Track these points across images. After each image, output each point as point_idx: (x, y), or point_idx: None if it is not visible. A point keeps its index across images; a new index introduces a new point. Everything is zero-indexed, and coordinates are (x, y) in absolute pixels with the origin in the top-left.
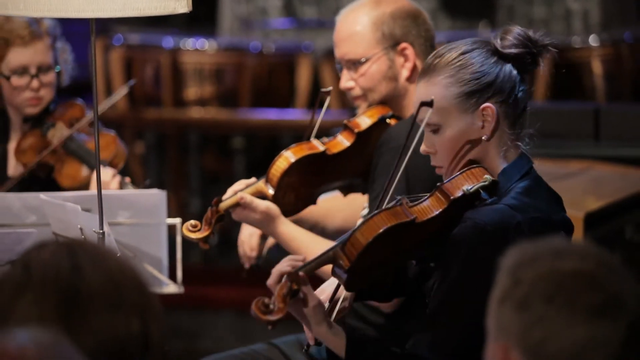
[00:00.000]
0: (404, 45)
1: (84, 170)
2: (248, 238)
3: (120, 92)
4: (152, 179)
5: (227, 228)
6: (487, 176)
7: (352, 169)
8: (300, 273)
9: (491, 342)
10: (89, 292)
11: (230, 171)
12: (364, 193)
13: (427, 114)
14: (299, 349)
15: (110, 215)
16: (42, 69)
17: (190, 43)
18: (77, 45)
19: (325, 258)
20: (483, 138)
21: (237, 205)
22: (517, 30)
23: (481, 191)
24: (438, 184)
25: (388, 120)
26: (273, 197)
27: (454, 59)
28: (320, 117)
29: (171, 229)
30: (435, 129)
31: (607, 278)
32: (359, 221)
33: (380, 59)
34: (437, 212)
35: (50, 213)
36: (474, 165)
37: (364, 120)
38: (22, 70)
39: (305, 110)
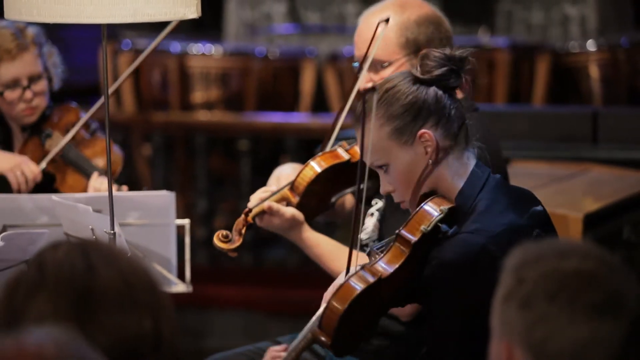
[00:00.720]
0: (424, 52)
1: (84, 180)
2: None
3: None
4: (159, 181)
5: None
6: (442, 207)
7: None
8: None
9: (495, 340)
10: (102, 292)
11: (236, 173)
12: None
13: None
14: None
15: (120, 216)
16: (33, 79)
17: (196, 48)
18: (85, 50)
19: (305, 342)
20: (429, 163)
21: (264, 212)
22: (433, 53)
23: (440, 225)
24: (396, 231)
25: None
26: (298, 204)
27: (380, 99)
28: (339, 124)
29: (180, 229)
30: (385, 169)
31: (608, 277)
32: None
33: (403, 65)
34: (402, 261)
35: (62, 214)
36: (429, 198)
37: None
38: (14, 84)
39: (309, 114)
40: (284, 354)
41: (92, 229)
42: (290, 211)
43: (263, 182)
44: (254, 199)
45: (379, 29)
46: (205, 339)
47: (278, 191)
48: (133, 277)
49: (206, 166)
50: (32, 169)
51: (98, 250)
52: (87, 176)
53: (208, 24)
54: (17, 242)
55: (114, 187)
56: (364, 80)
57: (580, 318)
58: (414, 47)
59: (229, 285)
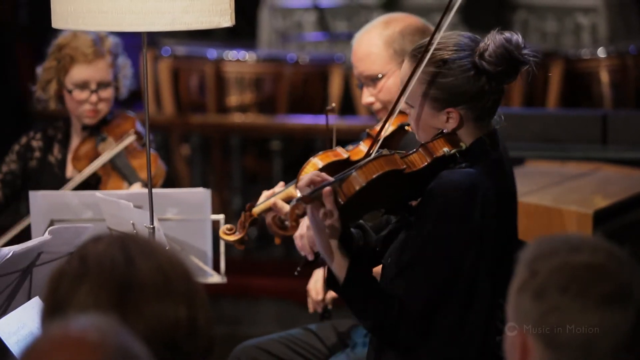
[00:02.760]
0: None
1: (125, 186)
2: (314, 284)
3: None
4: (197, 179)
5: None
6: (462, 143)
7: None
8: (325, 189)
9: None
10: (140, 283)
11: (268, 171)
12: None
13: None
14: (333, 333)
15: (159, 211)
16: (101, 85)
17: (232, 54)
18: (127, 57)
19: (330, 188)
20: (444, 131)
21: (270, 209)
22: (500, 45)
23: (457, 155)
24: (422, 142)
25: (407, 127)
26: None
27: (437, 61)
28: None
29: (215, 224)
30: (412, 107)
31: (617, 270)
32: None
33: (395, 73)
34: (422, 166)
35: (105, 209)
36: (450, 132)
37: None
38: (83, 85)
39: (337, 116)
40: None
41: (133, 224)
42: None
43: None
44: (262, 196)
45: None
46: (240, 326)
47: (283, 190)
48: (169, 268)
49: (240, 165)
50: None
51: (137, 244)
52: (129, 184)
53: (243, 32)
54: (64, 236)
55: None
56: (365, 96)
57: (590, 308)
58: (402, 56)
59: (262, 276)
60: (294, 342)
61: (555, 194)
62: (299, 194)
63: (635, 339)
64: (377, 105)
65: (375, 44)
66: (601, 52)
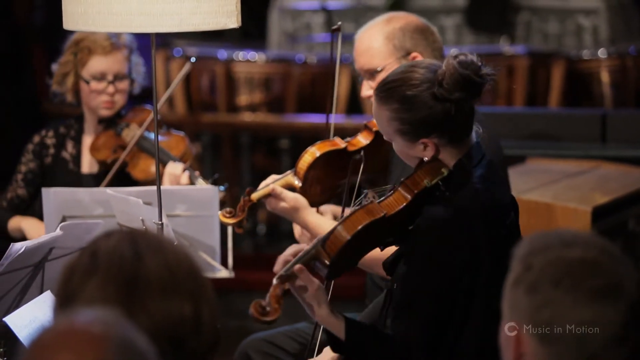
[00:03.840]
0: (414, 54)
1: (153, 166)
2: None
3: (185, 69)
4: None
5: (274, 220)
6: (444, 169)
7: (371, 165)
8: (296, 267)
9: (505, 321)
10: (147, 279)
11: (277, 169)
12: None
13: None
14: None
15: (168, 208)
16: (118, 77)
17: (242, 55)
18: (142, 57)
19: (308, 257)
20: (425, 159)
21: (269, 195)
22: (455, 72)
23: (440, 184)
24: (402, 179)
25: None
26: (300, 188)
27: (399, 99)
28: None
29: None
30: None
31: (609, 265)
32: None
33: (394, 66)
34: (403, 206)
35: (116, 206)
36: (432, 161)
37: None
38: (101, 77)
39: (344, 115)
40: (292, 260)
41: (143, 220)
42: (292, 195)
43: None
44: (262, 184)
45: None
46: (248, 319)
47: (282, 177)
48: (176, 265)
49: (250, 163)
50: None
51: (146, 240)
52: (162, 162)
53: (253, 33)
54: (75, 232)
55: (188, 173)
56: (365, 89)
57: (583, 302)
58: (402, 52)
59: (270, 271)
60: (301, 335)
61: (555, 191)
62: (281, 272)
63: (627, 332)
64: None
65: (375, 39)
66: (602, 53)
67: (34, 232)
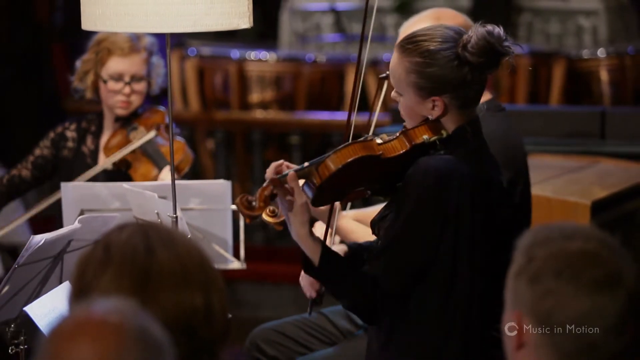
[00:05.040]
0: None
1: (154, 171)
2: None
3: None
4: (221, 171)
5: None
6: (444, 131)
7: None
8: (290, 174)
9: (508, 310)
10: (159, 272)
11: None
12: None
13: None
14: (344, 317)
15: (182, 201)
16: (135, 78)
17: (254, 54)
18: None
19: (301, 172)
20: (429, 117)
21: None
22: (482, 38)
23: (437, 142)
24: (403, 128)
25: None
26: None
27: (423, 52)
28: (376, 117)
29: (235, 213)
30: (401, 95)
31: (609, 257)
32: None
33: None
34: (400, 153)
35: (132, 200)
36: (435, 120)
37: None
38: (118, 77)
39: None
40: (287, 170)
41: (158, 213)
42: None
43: None
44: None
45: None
46: (260, 309)
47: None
48: (188, 257)
49: (262, 158)
50: None
51: (158, 233)
52: (159, 168)
53: (265, 34)
54: (92, 225)
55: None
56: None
57: (583, 292)
58: None
59: (281, 262)
60: (309, 325)
61: (556, 186)
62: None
63: (625, 322)
64: None
65: None
66: (601, 53)
67: None
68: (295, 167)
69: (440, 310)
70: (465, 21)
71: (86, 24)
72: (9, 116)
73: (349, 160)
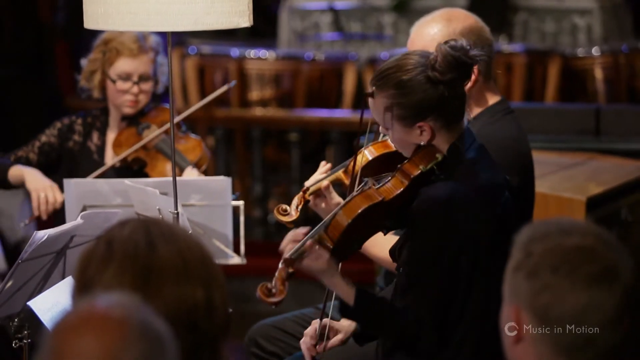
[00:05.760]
0: None
1: (168, 168)
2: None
3: (221, 90)
4: (221, 168)
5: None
6: (438, 154)
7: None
8: (307, 243)
9: (506, 305)
10: (160, 267)
11: (287, 161)
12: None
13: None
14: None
15: (183, 198)
16: (142, 78)
17: (254, 53)
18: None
19: (313, 240)
20: (421, 144)
21: (319, 191)
22: (446, 54)
23: (434, 168)
24: (399, 165)
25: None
26: (348, 185)
27: (396, 84)
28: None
29: (235, 209)
30: (387, 128)
31: (605, 252)
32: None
33: None
34: (400, 191)
35: (134, 196)
36: (426, 146)
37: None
38: (126, 77)
39: (351, 110)
40: (302, 239)
41: (159, 209)
42: (337, 198)
43: (311, 169)
44: (312, 179)
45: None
46: (259, 305)
47: (333, 173)
48: (188, 252)
49: (261, 155)
50: (55, 196)
51: (159, 229)
52: (177, 165)
53: (264, 32)
54: (95, 221)
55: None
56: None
57: (580, 287)
58: None
59: (280, 258)
60: (307, 320)
61: (551, 182)
62: (287, 255)
63: (621, 316)
64: None
65: (435, 40)
66: (596, 51)
67: (36, 183)
68: (295, 234)
69: (454, 322)
70: (475, 22)
71: (88, 23)
72: (13, 114)
73: (354, 216)
